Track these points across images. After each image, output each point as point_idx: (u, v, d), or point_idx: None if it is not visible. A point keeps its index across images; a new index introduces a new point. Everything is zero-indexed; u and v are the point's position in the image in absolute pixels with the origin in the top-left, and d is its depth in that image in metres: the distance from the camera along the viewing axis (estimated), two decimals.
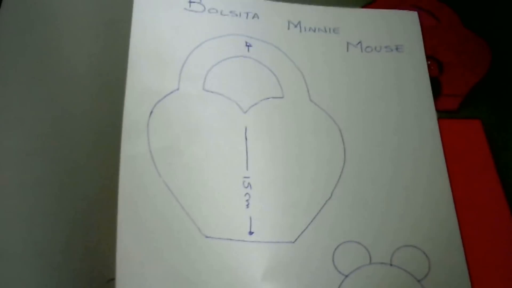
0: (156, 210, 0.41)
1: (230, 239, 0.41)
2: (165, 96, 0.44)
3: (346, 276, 0.41)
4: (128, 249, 0.39)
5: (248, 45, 0.48)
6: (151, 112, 0.44)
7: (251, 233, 0.42)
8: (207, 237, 0.41)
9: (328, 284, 0.40)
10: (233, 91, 0.46)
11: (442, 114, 0.42)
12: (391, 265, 0.41)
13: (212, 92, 0.46)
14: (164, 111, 0.44)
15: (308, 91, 0.48)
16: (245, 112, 0.45)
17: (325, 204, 0.43)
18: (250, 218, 0.42)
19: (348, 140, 0.46)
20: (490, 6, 0.42)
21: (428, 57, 0.45)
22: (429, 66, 0.45)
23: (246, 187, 0.43)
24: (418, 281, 0.41)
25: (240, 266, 0.40)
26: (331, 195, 0.44)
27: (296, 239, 0.42)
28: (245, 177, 0.43)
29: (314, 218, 0.43)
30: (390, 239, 0.42)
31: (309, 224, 0.42)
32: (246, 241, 0.41)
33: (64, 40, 0.47)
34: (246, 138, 0.44)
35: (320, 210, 0.43)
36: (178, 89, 0.45)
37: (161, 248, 0.40)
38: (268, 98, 0.46)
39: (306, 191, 0.44)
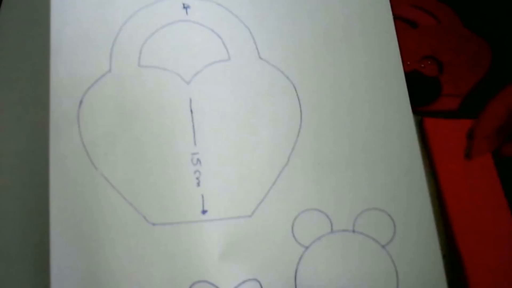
0: (95, 205, 0.39)
1: (180, 222, 0.39)
2: (95, 81, 0.41)
3: (307, 247, 0.38)
4: (65, 255, 0.37)
5: (185, 7, 0.44)
6: (81, 102, 0.40)
7: (204, 212, 0.39)
8: (154, 224, 0.39)
9: (288, 258, 0.38)
10: (173, 62, 0.42)
11: (442, 114, 0.40)
12: (353, 231, 0.39)
13: (149, 67, 0.42)
14: (96, 98, 0.41)
15: (257, 49, 0.44)
16: (188, 83, 0.42)
17: (281, 171, 0.40)
18: (202, 196, 0.40)
19: (304, 98, 0.42)
20: (490, 6, 0.40)
21: (428, 57, 0.44)
22: (429, 66, 0.43)
23: (195, 164, 0.40)
24: (383, 246, 0.38)
25: (195, 249, 0.38)
26: (288, 160, 0.41)
27: (252, 213, 0.39)
28: (193, 154, 0.40)
29: (270, 188, 0.40)
30: (352, 203, 0.40)
31: (265, 195, 0.40)
32: (200, 221, 0.39)
33: None
34: (191, 111, 0.41)
35: (276, 179, 0.40)
36: (109, 70, 0.41)
37: (104, 245, 0.38)
38: (212, 63, 0.43)
39: (260, 159, 0.41)
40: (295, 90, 0.42)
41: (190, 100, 0.41)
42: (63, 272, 0.37)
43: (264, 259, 0.38)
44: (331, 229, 0.39)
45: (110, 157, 0.40)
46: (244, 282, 0.38)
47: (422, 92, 0.40)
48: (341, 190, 0.40)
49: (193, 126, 0.41)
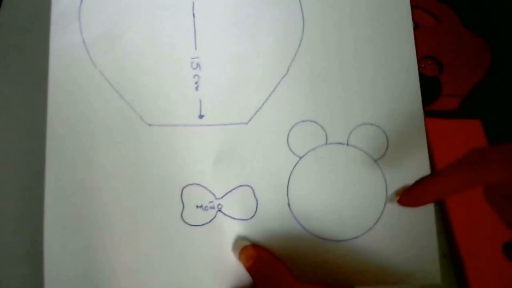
0: (93, 103, 0.39)
1: (177, 125, 0.39)
2: None
3: (301, 157, 0.39)
4: (60, 148, 0.38)
5: None
6: None
7: (201, 116, 0.39)
8: (150, 125, 0.39)
9: (282, 166, 0.39)
10: None
11: (442, 114, 0.39)
12: (347, 145, 0.39)
13: None
14: None
15: None
16: None
17: (280, 81, 0.40)
18: (200, 101, 0.40)
19: (307, 8, 0.41)
20: (490, 6, 0.40)
21: (428, 57, 0.44)
22: (429, 66, 0.43)
23: (195, 68, 0.40)
24: (375, 160, 0.39)
25: (189, 152, 0.39)
26: (287, 71, 0.40)
27: (249, 120, 0.40)
28: (193, 58, 0.40)
29: (268, 97, 0.40)
30: (348, 117, 0.40)
31: (263, 104, 0.40)
32: (196, 125, 0.39)
33: None
34: (193, 15, 0.40)
35: (275, 88, 0.40)
36: None
37: (99, 144, 0.38)
38: None
39: (260, 68, 0.40)
40: (299, 1, 0.41)
41: (193, 4, 0.41)
42: (57, 174, 0.38)
43: (258, 166, 0.39)
44: (326, 141, 0.39)
45: (109, 55, 0.39)
46: (237, 187, 0.38)
47: (422, 92, 0.40)
48: (338, 104, 0.40)
49: (195, 30, 0.40)
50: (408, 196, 0.35)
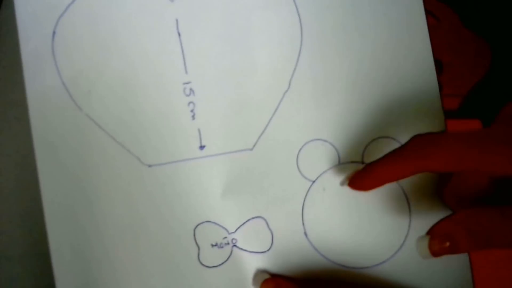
0: (84, 150, 0.36)
1: (178, 161, 0.36)
2: (67, 7, 0.36)
3: (313, 181, 0.36)
4: (57, 204, 0.35)
5: None
6: (54, 33, 0.36)
7: (202, 147, 0.37)
8: (150, 165, 0.36)
9: (294, 193, 0.36)
10: None
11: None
12: (362, 163, 0.36)
13: None
14: (71, 27, 0.36)
15: None
16: (172, 1, 0.36)
17: (283, 97, 0.37)
18: (199, 131, 0.37)
19: (304, 10, 0.37)
20: (490, 6, 0.38)
21: None
22: None
23: (188, 95, 0.37)
24: None
25: (195, 188, 0.36)
26: (289, 85, 0.37)
27: (254, 146, 0.37)
28: (185, 83, 0.37)
29: (271, 117, 0.37)
30: (360, 132, 0.36)
31: (267, 125, 0.37)
32: (198, 157, 0.37)
33: None
34: (179, 34, 0.36)
35: (278, 106, 0.37)
36: None
37: (99, 193, 0.36)
38: None
39: (259, 85, 0.37)
40: (295, 3, 0.37)
41: (177, 21, 0.36)
42: (59, 228, 0.35)
43: (268, 195, 0.36)
44: (339, 161, 0.36)
45: (93, 95, 0.36)
46: (249, 220, 0.36)
47: None
48: (349, 118, 0.36)
49: (182, 51, 0.37)
50: (356, 179, 0.33)
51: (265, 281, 0.36)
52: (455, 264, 0.36)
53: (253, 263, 0.36)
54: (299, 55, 0.37)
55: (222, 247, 0.36)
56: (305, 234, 0.36)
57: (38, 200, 0.38)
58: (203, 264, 0.36)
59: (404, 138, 0.36)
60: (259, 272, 0.36)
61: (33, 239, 0.40)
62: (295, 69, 0.37)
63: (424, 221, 0.36)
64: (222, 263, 0.36)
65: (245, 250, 0.36)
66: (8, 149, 0.41)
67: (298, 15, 0.36)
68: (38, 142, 0.35)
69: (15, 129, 0.42)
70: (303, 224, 0.36)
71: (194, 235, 0.36)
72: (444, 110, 0.36)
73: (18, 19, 0.36)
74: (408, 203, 0.36)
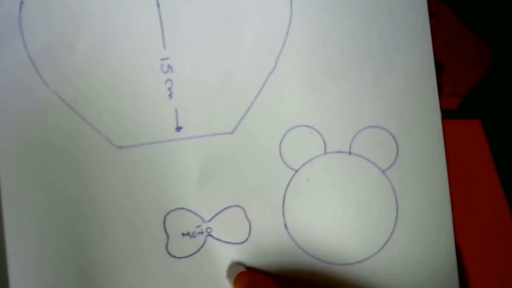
0: (50, 129, 0.33)
1: (151, 143, 0.34)
2: None
3: (296, 170, 0.34)
4: (16, 185, 0.33)
5: None
6: (22, 3, 0.33)
7: (178, 129, 0.34)
8: (120, 147, 0.34)
9: (275, 182, 0.34)
10: None
11: (442, 114, 0.36)
12: (350, 153, 0.34)
13: None
14: None
15: None
16: None
17: (267, 78, 0.34)
18: (176, 110, 0.34)
19: None
20: (490, 6, 0.38)
21: None
22: None
23: (166, 72, 0.34)
24: (383, 171, 0.34)
25: (169, 172, 0.34)
26: (275, 65, 0.34)
27: (234, 129, 0.34)
28: (162, 59, 0.34)
29: (254, 99, 0.34)
30: (349, 119, 0.34)
31: (249, 108, 0.34)
32: (174, 139, 0.34)
33: None
34: (158, 5, 0.33)
35: (261, 88, 0.34)
36: None
37: (64, 174, 0.33)
38: None
39: (242, 64, 0.34)
40: None
41: None
42: (17, 205, 0.33)
43: (248, 183, 0.34)
44: (325, 150, 0.34)
45: (62, 70, 0.33)
46: (226, 208, 0.34)
47: None
48: (337, 104, 0.34)
49: (161, 24, 0.34)
50: None
51: (240, 274, 0.33)
52: (441, 262, 0.34)
53: (228, 254, 0.34)
54: (287, 34, 0.34)
55: (194, 236, 0.34)
56: (285, 226, 0.34)
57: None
58: (170, 254, 0.34)
59: (395, 129, 0.34)
60: (234, 264, 0.34)
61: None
62: (282, 48, 0.34)
63: (412, 218, 0.34)
64: (193, 253, 0.34)
65: (220, 240, 0.34)
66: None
67: None
68: (1, 116, 0.33)
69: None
70: (283, 215, 0.34)
71: (164, 223, 0.34)
72: (443, 110, 0.35)
73: None
74: (396, 199, 0.34)
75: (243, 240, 0.34)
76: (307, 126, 0.34)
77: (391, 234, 0.34)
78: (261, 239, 0.34)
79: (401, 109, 0.34)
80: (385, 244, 0.34)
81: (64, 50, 0.33)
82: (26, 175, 0.33)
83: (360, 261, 0.34)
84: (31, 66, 0.33)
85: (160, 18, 0.34)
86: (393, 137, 0.34)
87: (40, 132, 0.33)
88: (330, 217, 0.34)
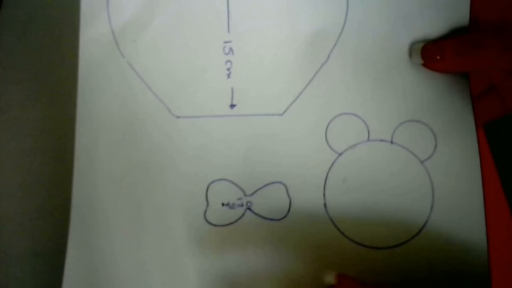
0: (120, 95, 0.36)
1: (206, 116, 0.36)
2: None
3: (340, 154, 0.36)
4: (88, 140, 0.36)
5: None
6: None
7: (232, 106, 0.36)
8: (178, 117, 0.36)
9: (319, 163, 0.36)
10: None
11: None
12: (391, 142, 0.36)
13: None
14: None
15: None
16: None
17: (320, 69, 0.37)
18: (232, 89, 0.36)
19: None
20: None
21: None
22: None
23: (227, 54, 0.37)
24: (421, 162, 0.35)
25: (219, 145, 0.36)
26: (328, 58, 0.37)
27: (284, 111, 0.36)
28: (225, 42, 0.37)
29: (306, 86, 0.36)
30: (393, 112, 0.36)
31: (300, 93, 0.36)
32: (227, 115, 0.36)
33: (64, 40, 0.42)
34: None
35: (313, 77, 0.37)
36: None
37: (126, 137, 0.36)
38: None
39: (298, 54, 0.37)
40: None
41: None
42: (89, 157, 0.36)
43: (292, 162, 0.36)
44: (368, 137, 0.36)
45: (138, 44, 0.37)
46: (268, 184, 0.35)
47: None
48: (383, 97, 0.36)
49: (228, 10, 0.37)
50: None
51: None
52: (472, 251, 0.35)
53: (264, 230, 0.35)
54: (342, 30, 0.37)
55: (233, 208, 0.35)
56: (325, 205, 0.35)
57: (38, 200, 0.39)
58: (207, 221, 0.35)
59: (434, 124, 0.36)
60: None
61: (33, 239, 0.39)
62: (336, 43, 0.37)
63: (446, 207, 0.35)
64: (229, 223, 0.35)
65: (259, 215, 0.35)
66: (9, 149, 0.41)
67: None
68: (82, 81, 0.36)
69: (15, 129, 0.42)
70: (324, 195, 0.35)
71: (207, 191, 0.35)
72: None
73: None
74: (432, 188, 0.35)
75: (281, 216, 0.35)
76: (353, 114, 0.36)
77: (426, 221, 0.35)
78: (300, 217, 0.35)
79: (440, 107, 0.36)
80: (420, 230, 0.35)
81: (141, 27, 0.37)
82: (97, 134, 0.36)
83: (396, 245, 0.34)
84: (112, 39, 0.37)
85: (228, 5, 0.37)
86: (432, 131, 0.36)
87: (111, 95, 0.36)
88: (369, 202, 0.35)
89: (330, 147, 0.36)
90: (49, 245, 0.39)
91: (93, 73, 0.36)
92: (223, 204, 0.35)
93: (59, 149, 0.40)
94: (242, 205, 0.35)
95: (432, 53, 0.35)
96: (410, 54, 0.36)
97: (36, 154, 0.40)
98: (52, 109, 0.41)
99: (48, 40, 0.42)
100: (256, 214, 0.35)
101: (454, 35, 0.36)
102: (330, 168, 0.35)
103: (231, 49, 0.37)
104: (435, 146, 0.35)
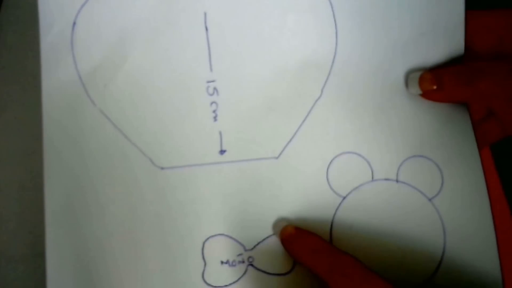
0: (94, 147, 0.32)
1: (194, 165, 0.33)
2: None
3: (344, 197, 0.33)
4: (59, 200, 0.32)
5: None
6: (74, 24, 0.33)
7: (222, 152, 0.33)
8: (162, 168, 0.32)
9: (323, 209, 0.33)
10: None
11: None
12: (397, 181, 0.34)
13: None
14: (92, 17, 0.33)
15: None
16: None
17: (313, 105, 0.34)
18: (220, 133, 0.33)
19: (341, 16, 0.35)
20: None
21: None
22: None
23: (212, 94, 0.33)
24: (429, 199, 0.33)
25: (211, 196, 0.33)
26: (321, 92, 0.34)
27: (280, 154, 0.33)
28: (209, 82, 0.33)
29: (301, 124, 0.34)
30: (395, 147, 0.34)
31: (295, 133, 0.34)
32: (217, 163, 0.33)
33: None
34: (206, 28, 0.34)
35: (308, 114, 0.34)
36: None
37: (105, 194, 0.32)
38: None
39: (289, 90, 0.34)
40: (332, 8, 0.35)
41: (205, 15, 0.34)
42: (58, 226, 0.32)
43: (294, 210, 0.33)
44: (372, 177, 0.33)
45: (109, 89, 0.33)
46: (270, 236, 0.32)
47: None
48: (383, 131, 0.34)
49: (209, 47, 0.34)
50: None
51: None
52: (486, 279, 0.33)
53: (270, 286, 0.32)
54: (333, 61, 0.34)
55: (234, 265, 0.32)
56: None
57: (38, 200, 0.37)
58: (206, 282, 0.32)
59: (439, 159, 0.34)
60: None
61: (33, 239, 0.39)
62: (328, 77, 0.34)
63: (459, 245, 0.33)
64: (231, 283, 0.32)
65: (263, 271, 0.32)
66: (8, 149, 0.41)
67: (335, 21, 0.34)
68: (47, 135, 0.33)
69: (15, 129, 0.41)
70: (330, 243, 0.33)
71: (203, 248, 0.32)
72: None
73: (40, 9, 0.33)
74: (443, 227, 0.33)
75: (287, 270, 0.32)
76: (354, 153, 0.34)
77: (440, 262, 0.33)
78: (307, 269, 0.32)
79: (442, 139, 0.34)
80: (434, 272, 0.33)
81: (112, 70, 0.33)
82: (69, 188, 0.32)
83: None
84: (80, 85, 0.33)
85: (208, 42, 0.34)
86: (437, 166, 0.34)
87: (84, 148, 0.32)
88: (378, 246, 0.33)
89: (333, 191, 0.33)
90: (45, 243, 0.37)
91: (61, 125, 0.32)
92: (222, 262, 0.32)
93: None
94: (243, 262, 0.32)
95: (430, 83, 0.33)
96: (407, 84, 0.35)
97: (36, 154, 0.37)
98: None
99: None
100: (259, 270, 0.32)
101: (450, 63, 0.35)
102: (335, 213, 0.33)
103: (215, 89, 0.33)
104: (442, 182, 0.34)
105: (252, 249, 0.32)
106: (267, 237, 0.32)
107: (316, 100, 0.34)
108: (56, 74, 0.33)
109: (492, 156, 0.40)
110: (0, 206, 0.40)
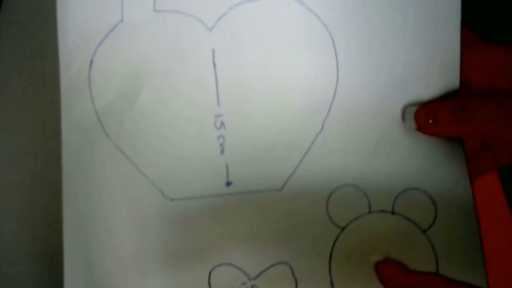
0: (109, 179, 0.34)
1: (202, 197, 0.34)
2: (106, 35, 0.34)
3: (343, 228, 0.35)
4: (76, 232, 0.33)
5: None
6: (91, 62, 0.34)
7: (228, 184, 0.35)
8: (172, 200, 0.34)
9: (322, 239, 0.35)
10: (193, 4, 0.35)
11: None
12: (393, 213, 0.35)
13: (166, 11, 0.35)
14: (108, 56, 0.34)
15: None
16: (210, 30, 0.35)
17: (315, 139, 0.36)
18: (227, 166, 0.35)
19: (342, 52, 0.36)
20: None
21: None
22: None
23: (219, 128, 0.35)
24: (423, 231, 0.35)
25: (217, 226, 0.34)
26: (322, 127, 0.36)
27: (283, 186, 0.35)
28: (216, 116, 0.35)
29: (303, 158, 0.35)
30: (391, 180, 0.36)
31: (297, 166, 0.35)
32: (223, 194, 0.35)
33: None
34: (214, 65, 0.35)
35: (309, 148, 0.35)
36: (122, 20, 0.35)
37: (117, 223, 0.34)
38: (239, 4, 0.35)
39: (292, 124, 0.36)
40: (332, 41, 0.36)
41: (213, 51, 0.35)
42: (75, 254, 0.33)
43: (295, 240, 0.35)
44: (369, 209, 0.35)
45: (123, 124, 0.34)
46: (273, 265, 0.34)
47: None
48: (381, 164, 0.36)
49: (216, 83, 0.35)
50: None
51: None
52: None
53: None
54: (333, 97, 0.36)
55: None
56: (332, 284, 0.34)
57: (38, 200, 0.39)
58: None
59: (432, 191, 0.35)
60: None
61: (33, 239, 0.40)
62: (329, 111, 0.36)
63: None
64: None
65: None
66: (8, 149, 0.41)
67: (336, 58, 0.36)
68: (66, 165, 0.34)
69: (15, 129, 0.42)
70: (329, 273, 0.34)
71: (209, 278, 0.34)
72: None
73: (60, 48, 0.34)
74: (436, 259, 0.35)
75: None
76: (352, 185, 0.35)
77: None
78: None
79: (436, 172, 0.36)
80: None
81: (126, 106, 0.35)
82: (84, 215, 0.34)
83: None
84: (97, 120, 0.34)
85: (216, 78, 0.35)
86: (432, 199, 0.35)
87: (99, 179, 0.34)
88: (375, 276, 0.35)
89: (333, 222, 0.35)
90: (49, 245, 0.39)
91: (78, 157, 0.34)
92: None
93: (59, 149, 0.38)
94: None
95: (425, 117, 0.35)
96: (403, 118, 0.36)
97: (36, 154, 0.40)
98: (52, 109, 0.39)
99: (48, 40, 0.40)
100: None
101: (446, 97, 0.36)
102: (334, 244, 0.35)
103: (222, 123, 0.35)
104: (435, 214, 0.35)
105: (256, 277, 0.34)
106: (271, 266, 0.34)
107: (318, 134, 0.36)
108: (74, 109, 0.34)
109: (499, 179, 0.41)
110: (0, 206, 0.41)
